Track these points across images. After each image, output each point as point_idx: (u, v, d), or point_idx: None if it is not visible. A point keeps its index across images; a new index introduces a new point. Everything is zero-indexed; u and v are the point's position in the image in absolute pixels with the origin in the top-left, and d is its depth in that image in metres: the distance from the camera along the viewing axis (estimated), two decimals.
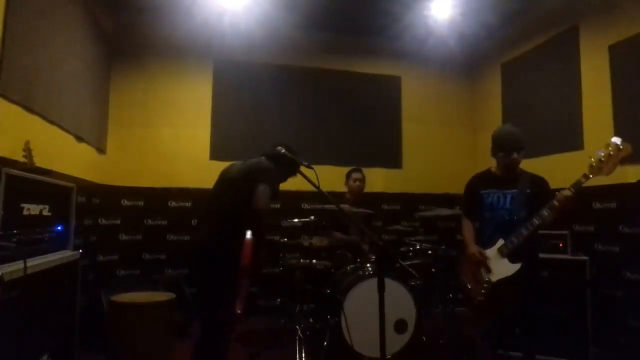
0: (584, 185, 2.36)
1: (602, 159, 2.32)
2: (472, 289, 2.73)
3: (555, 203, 2.38)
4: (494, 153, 2.75)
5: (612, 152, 2.31)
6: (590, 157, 2.37)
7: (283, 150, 2.29)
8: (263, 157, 2.52)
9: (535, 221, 2.47)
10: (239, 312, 2.13)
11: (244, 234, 2.18)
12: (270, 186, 2.26)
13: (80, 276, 2.55)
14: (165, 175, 4.70)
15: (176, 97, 4.85)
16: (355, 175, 4.17)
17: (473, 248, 2.73)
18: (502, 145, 2.67)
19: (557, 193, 2.40)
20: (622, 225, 3.43)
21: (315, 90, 5.22)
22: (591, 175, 2.33)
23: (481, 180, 2.84)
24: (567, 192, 2.36)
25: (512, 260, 2.57)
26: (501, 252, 2.61)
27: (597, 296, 3.32)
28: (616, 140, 2.33)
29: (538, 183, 2.69)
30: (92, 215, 4.21)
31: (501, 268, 2.60)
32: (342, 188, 4.26)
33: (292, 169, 2.42)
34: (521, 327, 2.71)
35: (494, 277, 2.62)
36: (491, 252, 2.66)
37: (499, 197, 2.71)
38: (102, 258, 4.41)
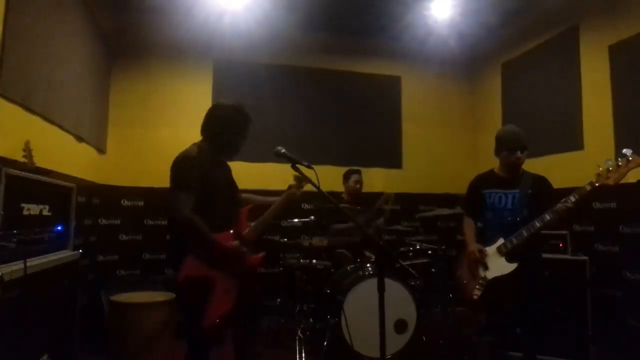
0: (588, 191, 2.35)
1: (611, 168, 2.31)
2: (468, 284, 2.75)
3: (558, 209, 2.39)
4: (498, 152, 2.76)
5: (621, 163, 2.30)
6: (598, 166, 2.36)
7: (283, 150, 2.29)
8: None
9: (537, 224, 2.48)
10: (205, 326, 2.01)
11: (183, 249, 2.07)
12: (179, 186, 2.07)
13: (80, 276, 2.55)
14: (165, 175, 4.59)
15: (176, 97, 4.84)
16: (355, 177, 4.15)
17: (473, 246, 2.74)
18: (506, 144, 2.68)
19: (559, 204, 2.40)
20: (622, 225, 3.43)
21: (315, 90, 5.22)
22: (597, 184, 2.33)
23: (483, 180, 2.85)
24: (571, 200, 2.37)
25: (510, 259, 2.58)
26: (500, 251, 2.63)
27: (597, 296, 3.31)
28: (627, 151, 2.31)
29: (540, 183, 2.70)
30: (92, 215, 4.21)
31: (498, 266, 2.62)
32: (341, 188, 4.26)
33: (231, 129, 2.22)
34: (522, 327, 2.72)
35: (490, 275, 2.64)
36: (490, 250, 2.68)
37: (501, 197, 2.73)
38: (102, 258, 4.41)
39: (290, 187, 2.42)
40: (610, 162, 2.33)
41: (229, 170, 2.41)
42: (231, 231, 2.20)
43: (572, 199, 2.37)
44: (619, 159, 2.31)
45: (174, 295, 3.23)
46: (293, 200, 2.43)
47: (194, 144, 2.27)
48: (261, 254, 2.31)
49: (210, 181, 2.14)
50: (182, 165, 2.14)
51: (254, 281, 2.34)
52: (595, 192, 2.35)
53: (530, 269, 2.59)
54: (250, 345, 2.41)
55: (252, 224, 2.35)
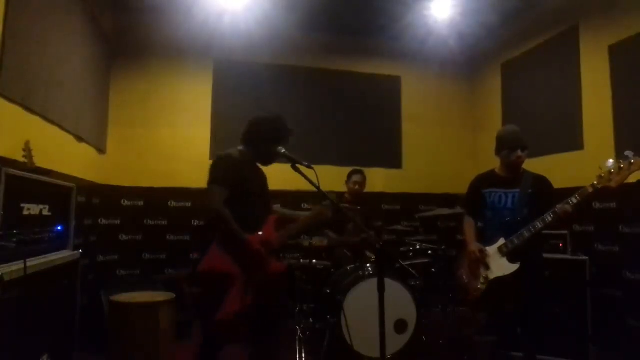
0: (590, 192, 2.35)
1: (613, 170, 2.30)
2: (469, 284, 2.76)
3: (558, 211, 2.39)
4: (498, 152, 2.77)
5: (622, 165, 2.28)
6: (600, 167, 2.36)
7: (283, 150, 2.30)
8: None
9: (538, 224, 2.48)
10: (218, 319, 2.04)
11: (212, 241, 2.15)
12: (215, 181, 2.18)
13: (80, 276, 2.55)
14: (165, 175, 4.69)
15: (176, 97, 4.84)
16: (355, 178, 4.13)
17: (473, 245, 2.74)
18: (507, 143, 2.69)
19: (558, 206, 2.40)
20: (622, 225, 3.43)
21: (315, 90, 5.22)
22: (599, 186, 2.32)
23: (484, 180, 2.86)
24: (573, 201, 2.36)
25: (511, 260, 2.58)
26: (501, 252, 2.63)
27: (597, 296, 3.31)
28: (629, 153, 2.30)
29: (540, 183, 2.71)
30: (92, 215, 4.21)
31: (499, 267, 2.61)
32: (343, 188, 4.26)
33: (270, 140, 2.32)
34: (522, 327, 2.72)
35: (492, 275, 2.64)
36: (491, 250, 2.67)
37: (501, 197, 2.73)
38: (102, 258, 4.41)
39: (323, 207, 2.51)
40: (612, 164, 2.32)
41: (265, 178, 2.50)
42: (260, 233, 2.25)
43: (574, 200, 2.37)
44: (621, 161, 2.30)
45: (174, 296, 3.23)
46: (322, 220, 2.50)
47: (236, 148, 2.38)
48: (285, 263, 2.40)
49: (245, 183, 2.25)
50: (221, 162, 2.26)
51: (275, 287, 2.34)
52: (595, 193, 2.35)
53: (532, 270, 2.59)
54: (270, 350, 2.40)
55: (279, 232, 2.38)
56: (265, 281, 2.21)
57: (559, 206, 2.40)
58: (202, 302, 2.25)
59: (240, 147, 2.38)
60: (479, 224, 2.89)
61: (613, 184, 2.28)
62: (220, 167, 2.23)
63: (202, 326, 2.24)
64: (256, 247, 2.17)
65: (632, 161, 2.27)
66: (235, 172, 2.22)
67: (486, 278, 2.65)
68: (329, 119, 5.22)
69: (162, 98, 4.80)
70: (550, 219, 2.43)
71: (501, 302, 2.69)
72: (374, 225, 4.06)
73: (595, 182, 2.34)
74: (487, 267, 2.66)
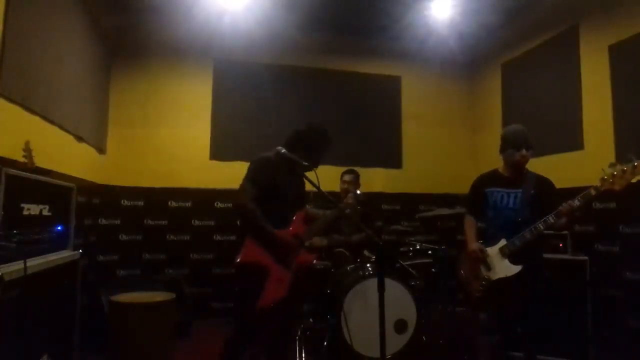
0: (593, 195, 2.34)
1: (616, 173, 2.29)
2: (471, 284, 2.76)
3: (562, 211, 2.38)
4: (503, 150, 2.74)
5: (626, 169, 2.28)
6: (602, 169, 2.35)
7: (283, 151, 2.31)
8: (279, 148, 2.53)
9: (540, 226, 2.47)
10: (259, 307, 2.16)
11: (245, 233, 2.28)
12: (248, 179, 2.29)
13: (80, 276, 2.55)
14: (165, 175, 4.69)
15: (176, 97, 4.84)
16: (345, 177, 4.09)
17: (474, 245, 2.74)
18: (512, 142, 2.66)
19: (563, 204, 2.39)
20: (622, 225, 3.43)
21: (315, 90, 5.22)
22: (602, 189, 2.31)
23: (486, 179, 2.85)
24: (576, 203, 2.35)
25: (513, 261, 2.58)
26: (502, 253, 2.62)
27: (597, 296, 3.31)
28: (632, 156, 2.29)
29: (543, 184, 2.69)
30: (92, 215, 4.21)
31: (502, 268, 2.61)
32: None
33: (318, 143, 2.52)
34: (523, 327, 2.72)
35: (494, 276, 2.63)
36: (492, 251, 2.67)
37: (503, 196, 2.72)
38: (102, 258, 4.40)
39: (344, 203, 2.64)
40: (615, 167, 2.30)
41: (302, 184, 2.56)
42: (291, 228, 2.38)
43: (577, 202, 2.35)
44: (625, 165, 2.29)
45: (174, 296, 3.23)
46: (340, 216, 2.67)
47: (275, 150, 2.42)
48: (315, 256, 2.54)
49: (280, 184, 2.34)
50: (258, 162, 2.37)
51: (304, 281, 2.48)
52: (598, 196, 2.35)
53: (533, 271, 2.59)
54: (282, 344, 2.51)
55: (307, 227, 2.51)
56: (299, 271, 2.34)
57: (561, 207, 2.39)
58: (242, 292, 2.37)
59: (282, 150, 2.38)
60: (481, 224, 2.88)
61: (617, 187, 2.28)
62: (257, 168, 2.34)
63: (241, 315, 2.37)
64: (287, 239, 2.29)
65: (636, 164, 2.26)
66: (270, 174, 2.32)
67: (487, 279, 2.65)
68: (329, 119, 5.20)
69: (162, 98, 4.80)
70: (552, 220, 2.43)
71: (502, 303, 2.69)
72: (374, 226, 4.05)
73: (598, 185, 2.33)
74: (488, 267, 2.66)
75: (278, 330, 2.48)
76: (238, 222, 2.65)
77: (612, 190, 2.30)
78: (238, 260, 2.21)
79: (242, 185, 2.29)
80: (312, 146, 2.48)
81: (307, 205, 2.69)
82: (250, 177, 2.30)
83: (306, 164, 2.23)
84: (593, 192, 2.33)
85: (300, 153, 2.42)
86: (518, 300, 2.61)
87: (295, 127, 2.55)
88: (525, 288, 2.57)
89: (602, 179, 2.32)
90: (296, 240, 2.36)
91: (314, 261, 2.51)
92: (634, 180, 2.27)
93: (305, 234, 2.47)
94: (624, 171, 2.28)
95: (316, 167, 2.51)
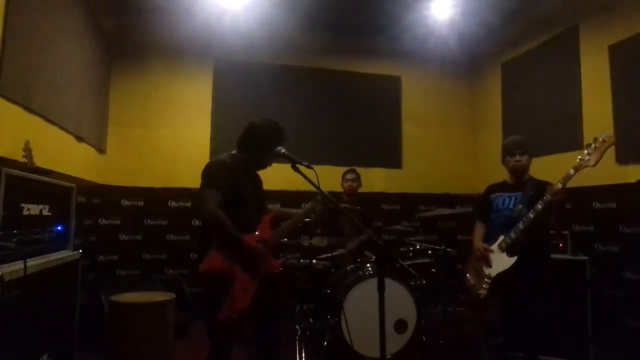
0: (573, 177, 2.48)
1: (589, 151, 2.46)
2: (475, 284, 2.84)
3: (547, 196, 2.50)
4: (502, 160, 2.92)
5: (596, 145, 2.45)
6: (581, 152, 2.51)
7: (283, 150, 2.30)
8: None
9: (530, 215, 2.58)
10: (223, 317, 2.05)
11: (207, 242, 2.17)
12: (209, 185, 2.19)
13: (80, 276, 2.55)
14: (165, 175, 4.69)
15: (176, 97, 4.84)
16: (347, 176, 4.19)
17: (478, 243, 2.87)
18: (507, 149, 2.86)
19: (548, 187, 2.53)
20: (622, 225, 3.43)
21: (315, 90, 5.22)
22: (580, 167, 2.46)
23: (494, 187, 3.02)
24: (558, 186, 2.48)
25: (510, 254, 2.67)
26: (501, 247, 2.73)
27: (597, 296, 3.32)
28: (602, 134, 2.47)
29: (543, 187, 2.76)
30: (92, 215, 4.21)
31: (499, 262, 2.71)
32: (341, 188, 4.26)
33: (262, 148, 2.34)
34: (523, 327, 2.75)
35: (493, 272, 2.73)
36: (493, 248, 2.78)
37: (505, 199, 2.87)
38: (102, 258, 4.41)
39: (313, 202, 2.54)
40: (589, 147, 2.47)
41: (259, 182, 2.53)
42: (256, 233, 2.30)
43: (560, 185, 2.47)
44: (595, 141, 2.46)
45: (174, 296, 3.23)
46: (311, 214, 2.59)
47: (228, 153, 2.39)
48: (280, 261, 2.42)
49: (238, 187, 2.27)
50: (213, 167, 2.28)
51: (274, 284, 2.38)
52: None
53: (530, 263, 2.65)
54: (272, 347, 2.43)
55: (274, 231, 2.44)
56: (265, 279, 2.24)
57: (546, 194, 2.51)
58: (204, 302, 2.29)
59: (234, 152, 2.39)
60: (487, 228, 2.98)
61: (592, 163, 2.43)
62: (214, 172, 2.25)
63: (206, 327, 2.27)
64: (254, 245, 2.21)
65: (605, 139, 2.43)
66: (227, 177, 2.23)
67: (489, 276, 2.74)
68: (329, 119, 5.21)
69: (162, 98, 4.80)
70: (540, 206, 2.53)
71: (505, 298, 2.78)
72: (374, 226, 4.05)
73: (575, 165, 2.47)
74: (490, 265, 2.76)
75: (264, 332, 2.39)
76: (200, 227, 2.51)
77: (589, 166, 2.43)
78: (202, 269, 2.10)
79: (203, 192, 2.18)
80: (252, 147, 2.36)
81: (275, 206, 2.65)
82: (210, 183, 2.19)
83: (306, 163, 2.21)
84: (572, 171, 2.47)
85: (254, 152, 2.36)
86: (518, 290, 2.69)
87: (245, 126, 2.44)
88: (521, 279, 2.64)
89: (579, 159, 2.47)
90: (262, 245, 2.26)
91: (280, 269, 2.39)
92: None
93: (273, 238, 2.38)
94: (595, 148, 2.45)
95: (259, 169, 2.46)
